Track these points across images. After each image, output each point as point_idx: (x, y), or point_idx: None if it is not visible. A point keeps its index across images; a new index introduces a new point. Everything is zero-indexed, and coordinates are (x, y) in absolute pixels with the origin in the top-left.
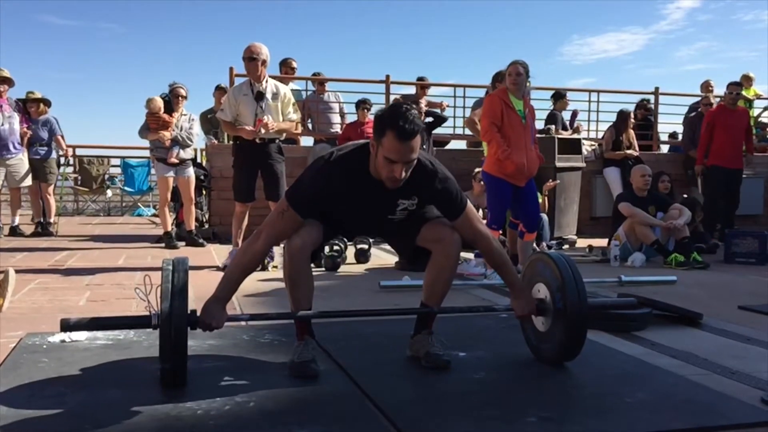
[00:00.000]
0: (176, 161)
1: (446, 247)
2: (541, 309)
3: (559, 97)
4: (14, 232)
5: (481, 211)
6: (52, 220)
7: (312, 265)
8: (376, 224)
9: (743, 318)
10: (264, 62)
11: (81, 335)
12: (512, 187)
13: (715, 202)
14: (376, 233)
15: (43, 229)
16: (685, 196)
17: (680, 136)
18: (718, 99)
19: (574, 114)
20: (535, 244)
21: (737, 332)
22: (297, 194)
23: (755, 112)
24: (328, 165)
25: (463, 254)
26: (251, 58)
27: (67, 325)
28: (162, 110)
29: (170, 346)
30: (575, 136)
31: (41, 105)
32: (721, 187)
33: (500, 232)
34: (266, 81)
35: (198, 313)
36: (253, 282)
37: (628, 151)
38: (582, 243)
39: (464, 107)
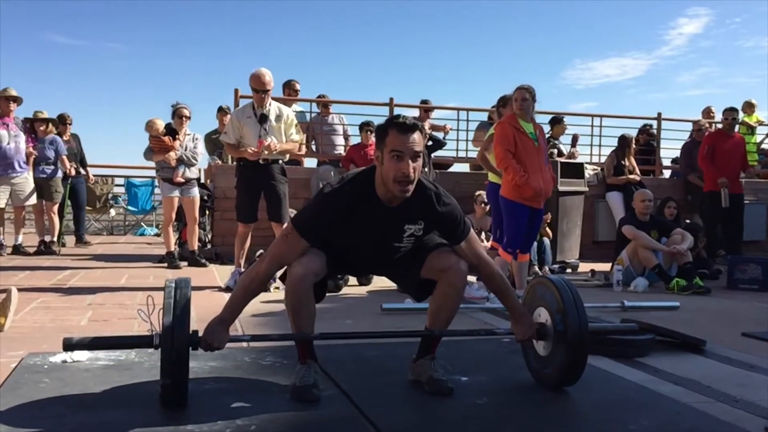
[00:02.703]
0: (182, 180)
1: (452, 277)
2: (542, 333)
3: (556, 122)
4: (17, 250)
5: (483, 233)
6: (55, 239)
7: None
8: (382, 254)
9: (746, 345)
10: (269, 91)
11: (82, 355)
12: (529, 210)
13: (715, 227)
14: (381, 267)
15: (46, 247)
16: (688, 221)
17: None
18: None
19: (575, 138)
20: (537, 268)
21: (740, 359)
22: (303, 218)
23: (758, 138)
24: (334, 190)
25: None
26: (264, 90)
27: (69, 345)
28: (163, 131)
29: (171, 366)
30: (576, 161)
31: (49, 125)
32: (720, 213)
33: (519, 255)
34: (269, 104)
35: (200, 334)
36: (255, 303)
37: (631, 176)
38: (584, 267)
39: (467, 130)
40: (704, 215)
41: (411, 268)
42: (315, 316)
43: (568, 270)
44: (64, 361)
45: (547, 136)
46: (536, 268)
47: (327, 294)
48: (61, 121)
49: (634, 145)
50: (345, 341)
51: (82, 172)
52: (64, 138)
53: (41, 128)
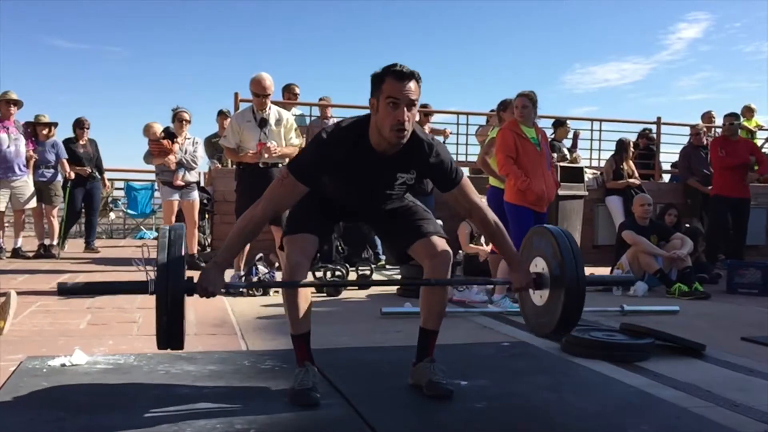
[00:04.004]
0: (182, 183)
1: (437, 265)
2: (539, 283)
3: (559, 125)
4: (17, 253)
5: (482, 237)
6: (54, 243)
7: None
8: (373, 201)
9: (746, 349)
10: (269, 95)
11: (81, 359)
12: (533, 214)
13: (718, 231)
14: (370, 217)
15: (45, 251)
16: (687, 225)
17: None
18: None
19: (576, 135)
20: None
21: (740, 364)
22: (298, 162)
23: (758, 143)
24: (329, 136)
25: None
26: (264, 95)
27: (63, 290)
28: (162, 135)
29: (167, 312)
30: (576, 165)
31: (50, 128)
32: (725, 217)
33: None
34: (269, 108)
35: (195, 280)
36: (254, 307)
37: (631, 180)
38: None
39: (467, 134)
40: (709, 219)
41: (399, 239)
42: (311, 310)
43: None
44: (63, 365)
45: (550, 139)
46: None
47: (327, 298)
48: (79, 126)
49: (632, 149)
50: (345, 346)
51: (98, 176)
52: (81, 142)
53: (43, 132)
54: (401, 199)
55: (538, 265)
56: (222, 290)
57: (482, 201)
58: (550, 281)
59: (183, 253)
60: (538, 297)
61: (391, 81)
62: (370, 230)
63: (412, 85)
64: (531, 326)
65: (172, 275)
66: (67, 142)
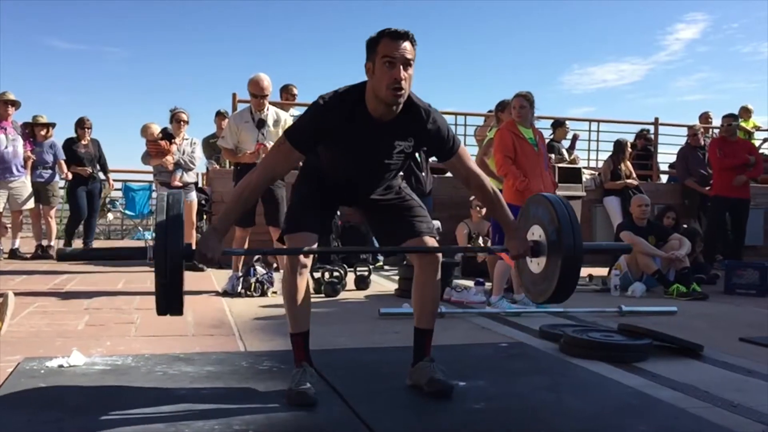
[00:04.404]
0: (180, 184)
1: (426, 264)
2: (536, 251)
3: (558, 125)
4: (14, 254)
5: (480, 238)
6: (52, 243)
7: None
8: (371, 174)
9: (744, 350)
10: (267, 96)
11: (79, 360)
12: None
13: (716, 232)
14: (370, 206)
15: (43, 251)
16: (685, 226)
17: None
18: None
19: (575, 138)
20: None
21: (738, 364)
22: (295, 129)
23: (756, 143)
24: (326, 101)
25: (462, 282)
26: (262, 96)
27: (62, 255)
28: (160, 136)
29: (165, 274)
30: (574, 165)
31: (48, 129)
32: (724, 218)
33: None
34: (267, 108)
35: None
36: (252, 308)
37: (629, 181)
38: (582, 272)
39: (465, 135)
40: (707, 220)
41: (392, 233)
42: (310, 309)
43: None
44: (61, 366)
45: (549, 139)
46: None
47: (325, 298)
48: (80, 125)
49: (629, 150)
50: (343, 347)
51: (102, 177)
52: (83, 142)
53: (41, 132)
54: (398, 192)
55: (535, 233)
56: (220, 256)
57: (479, 169)
58: (547, 248)
59: (181, 219)
60: (536, 265)
61: (386, 41)
62: (368, 231)
63: (407, 44)
64: (528, 294)
65: (171, 238)
66: (69, 142)
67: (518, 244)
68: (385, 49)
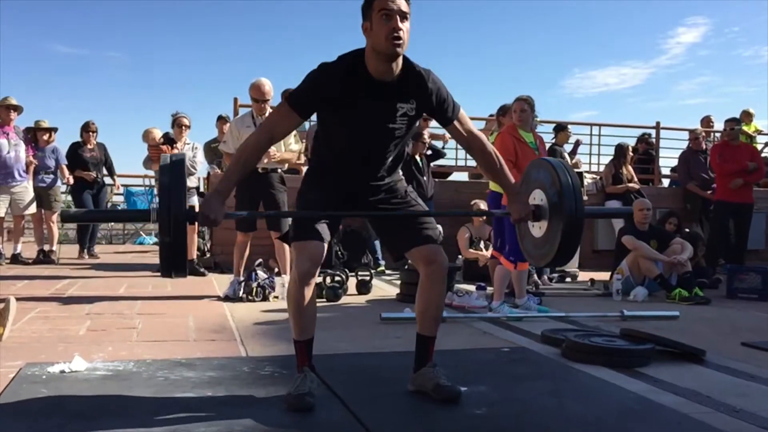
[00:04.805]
0: None
1: (434, 271)
2: (538, 215)
3: (560, 129)
4: (16, 259)
5: (482, 242)
6: (54, 248)
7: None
8: (379, 143)
9: (746, 355)
10: (269, 101)
11: (81, 365)
12: None
13: (718, 236)
14: (376, 201)
15: (44, 256)
16: (687, 230)
17: None
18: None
19: (577, 144)
20: (536, 277)
21: (740, 369)
22: (295, 91)
23: (758, 147)
24: (325, 64)
25: (464, 287)
26: (263, 100)
27: (66, 216)
28: (161, 140)
29: (169, 233)
30: (576, 170)
31: (50, 134)
32: (727, 222)
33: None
34: (268, 113)
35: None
36: (254, 312)
37: (630, 185)
38: (584, 276)
39: None
40: (710, 224)
41: (398, 239)
42: (316, 315)
43: (568, 279)
44: (62, 372)
45: (551, 143)
46: (535, 277)
47: (327, 303)
48: (85, 129)
49: (630, 154)
50: (345, 351)
51: (108, 181)
52: (89, 146)
53: (43, 137)
54: (404, 196)
55: (536, 198)
56: (223, 218)
57: (479, 132)
58: (548, 211)
59: (184, 180)
60: (537, 229)
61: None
62: (369, 236)
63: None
64: (530, 258)
65: (174, 198)
66: (75, 146)
67: (520, 208)
68: (381, 3)
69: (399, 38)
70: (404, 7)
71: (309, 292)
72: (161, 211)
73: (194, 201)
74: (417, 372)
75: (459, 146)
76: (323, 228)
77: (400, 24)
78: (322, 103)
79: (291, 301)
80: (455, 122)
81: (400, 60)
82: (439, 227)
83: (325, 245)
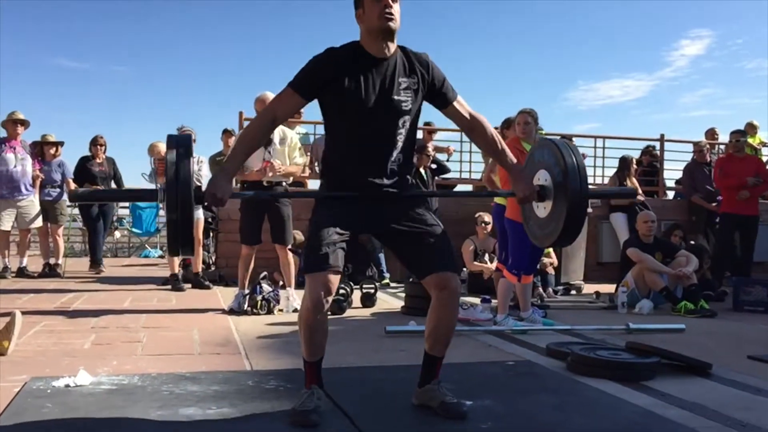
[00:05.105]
0: None
1: (447, 297)
2: (543, 195)
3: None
4: (22, 273)
5: (486, 255)
6: (60, 262)
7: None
8: (385, 116)
9: (753, 368)
10: None
11: (85, 380)
12: None
13: (724, 249)
14: (390, 215)
15: (50, 270)
16: (692, 242)
17: None
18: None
19: (582, 157)
20: (541, 290)
21: (747, 383)
22: (297, 74)
23: (763, 159)
24: (325, 50)
25: (469, 299)
26: None
27: (74, 196)
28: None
29: (176, 212)
30: None
31: (57, 148)
32: (732, 235)
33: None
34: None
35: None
36: (259, 326)
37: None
38: (589, 289)
39: (471, 151)
40: (716, 237)
41: (413, 264)
42: (327, 337)
43: (572, 291)
44: (67, 386)
45: None
46: (540, 290)
47: (332, 316)
48: (93, 143)
49: (635, 166)
50: (349, 365)
51: None
52: (98, 160)
53: (50, 151)
54: (422, 217)
55: (541, 178)
56: (229, 197)
57: (478, 113)
58: (553, 191)
59: (191, 157)
60: (542, 209)
61: None
62: (373, 249)
63: None
64: (535, 239)
65: (181, 174)
66: (84, 161)
67: (524, 187)
68: None
69: (391, 14)
70: None
71: (322, 318)
72: (168, 188)
73: (199, 214)
74: (422, 388)
75: (463, 159)
76: (337, 256)
77: (391, 2)
78: (324, 84)
79: (303, 325)
80: (456, 103)
81: (395, 40)
82: None
83: (338, 276)
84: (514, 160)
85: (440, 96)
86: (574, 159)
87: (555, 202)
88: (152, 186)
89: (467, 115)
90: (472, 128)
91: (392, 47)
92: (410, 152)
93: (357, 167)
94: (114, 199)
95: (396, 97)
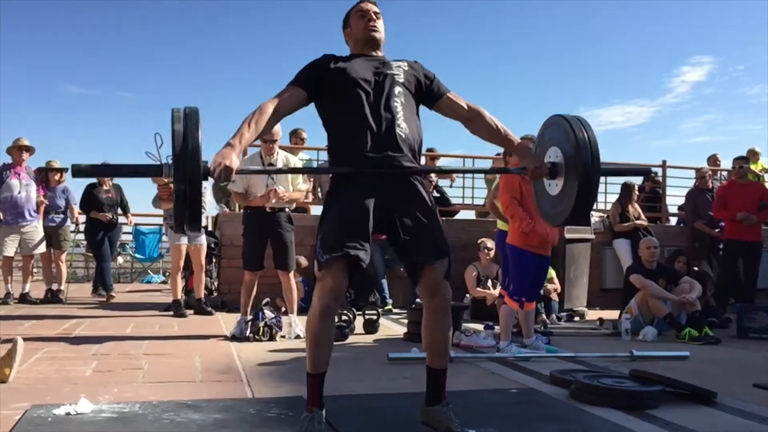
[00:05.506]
0: None
1: (437, 304)
2: (554, 172)
3: None
4: (24, 299)
5: (489, 281)
6: (62, 288)
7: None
8: (386, 88)
9: (758, 396)
10: (277, 141)
11: (86, 407)
12: (536, 258)
13: (728, 276)
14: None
15: (53, 296)
16: (696, 268)
17: None
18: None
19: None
20: (544, 316)
21: (752, 411)
22: (295, 74)
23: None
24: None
25: (472, 326)
26: (272, 141)
27: (78, 170)
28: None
29: (185, 182)
30: None
31: (62, 174)
32: (736, 261)
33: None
34: (277, 153)
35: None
36: (261, 352)
37: (638, 222)
38: (592, 315)
39: (473, 177)
40: (719, 263)
41: (410, 249)
42: (332, 349)
43: (576, 318)
44: (68, 414)
45: None
46: (543, 316)
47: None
48: None
49: (637, 193)
50: (351, 393)
51: (123, 220)
52: (104, 188)
53: (54, 177)
54: (423, 198)
55: (552, 155)
56: (236, 167)
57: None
58: (564, 167)
59: (198, 129)
60: (554, 186)
61: (356, 7)
62: (376, 274)
63: (373, 6)
64: (546, 218)
65: (190, 144)
66: (90, 187)
67: (534, 160)
68: (356, 7)
69: (375, 26)
70: (376, 8)
71: (328, 324)
72: (176, 158)
73: (202, 240)
74: (430, 407)
75: (466, 184)
76: (353, 237)
77: (374, 17)
78: (324, 73)
79: (309, 332)
80: (450, 94)
81: (382, 51)
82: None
83: (360, 256)
84: (517, 139)
85: (431, 91)
86: (586, 134)
87: (566, 179)
88: (157, 210)
89: (465, 105)
90: (471, 118)
91: (380, 54)
92: (414, 127)
93: (365, 138)
94: (117, 175)
95: (389, 72)
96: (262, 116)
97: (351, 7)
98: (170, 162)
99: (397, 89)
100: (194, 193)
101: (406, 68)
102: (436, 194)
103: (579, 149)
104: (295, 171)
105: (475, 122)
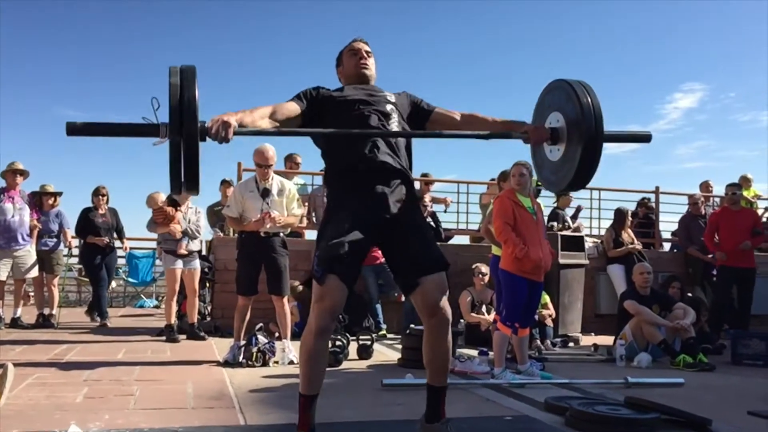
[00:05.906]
0: (185, 252)
1: (437, 323)
2: (556, 137)
3: (562, 193)
4: (15, 323)
5: (484, 306)
6: (54, 312)
7: None
8: (373, 101)
9: (753, 424)
10: (272, 166)
11: None
12: (528, 284)
13: (722, 302)
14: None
15: (44, 320)
16: (690, 294)
17: None
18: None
19: (578, 209)
20: (539, 342)
21: None
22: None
23: (759, 212)
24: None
25: (466, 351)
26: (267, 165)
27: (73, 129)
28: (165, 202)
29: (181, 134)
30: (577, 233)
31: (55, 198)
32: (730, 288)
33: (519, 330)
34: (272, 178)
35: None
36: (254, 378)
37: (631, 246)
38: (587, 340)
39: (468, 203)
40: (713, 290)
41: (405, 263)
42: (325, 370)
43: (571, 344)
44: None
45: (553, 207)
46: (538, 342)
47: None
48: (95, 194)
49: (630, 218)
50: (345, 420)
51: (119, 244)
52: (100, 211)
53: (48, 201)
54: (415, 210)
55: (552, 121)
56: (236, 126)
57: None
58: (567, 131)
59: (195, 84)
60: (556, 152)
61: (349, 46)
62: (371, 299)
63: (363, 44)
64: (549, 185)
65: (186, 96)
66: (86, 211)
67: (536, 127)
68: (349, 48)
69: (366, 63)
70: (367, 47)
71: (324, 344)
72: (172, 111)
73: (196, 264)
74: (430, 424)
75: (460, 210)
76: (349, 263)
77: (365, 55)
78: (320, 97)
79: (304, 351)
80: (438, 109)
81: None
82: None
83: (346, 293)
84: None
85: (420, 110)
86: (589, 98)
87: (568, 143)
88: (152, 234)
89: (457, 115)
90: (468, 121)
91: (367, 78)
92: (403, 141)
93: (361, 145)
94: (113, 134)
95: (380, 94)
96: (260, 108)
97: (344, 47)
98: (167, 123)
99: (389, 106)
100: (191, 148)
101: (395, 95)
102: (429, 220)
103: (583, 114)
104: (300, 132)
105: (474, 122)
